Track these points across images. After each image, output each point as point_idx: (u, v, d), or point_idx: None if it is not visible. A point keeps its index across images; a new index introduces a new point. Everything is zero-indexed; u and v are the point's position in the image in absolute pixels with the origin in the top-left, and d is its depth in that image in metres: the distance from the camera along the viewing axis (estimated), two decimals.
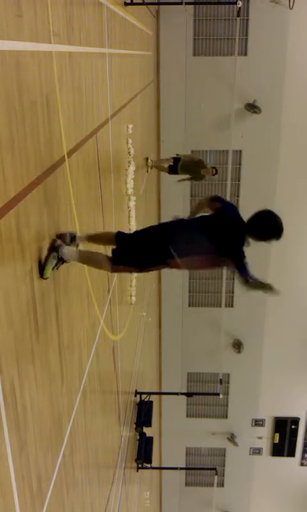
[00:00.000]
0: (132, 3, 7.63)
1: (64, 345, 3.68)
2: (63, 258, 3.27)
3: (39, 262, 3.03)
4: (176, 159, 11.45)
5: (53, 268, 3.16)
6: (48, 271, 3.08)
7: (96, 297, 4.95)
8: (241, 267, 3.87)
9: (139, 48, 9.72)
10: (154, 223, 16.31)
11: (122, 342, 7.32)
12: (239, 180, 15.61)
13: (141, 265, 3.78)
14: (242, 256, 3.85)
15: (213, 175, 11.10)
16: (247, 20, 14.03)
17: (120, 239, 3.80)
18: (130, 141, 7.85)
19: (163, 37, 14.33)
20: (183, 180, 11.67)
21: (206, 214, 4.00)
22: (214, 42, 14.48)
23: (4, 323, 2.48)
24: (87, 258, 3.69)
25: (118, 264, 3.69)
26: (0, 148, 2.43)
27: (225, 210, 3.99)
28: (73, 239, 3.45)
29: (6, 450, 2.49)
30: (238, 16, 10.91)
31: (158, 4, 12.16)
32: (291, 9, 13.07)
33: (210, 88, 14.60)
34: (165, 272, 16.80)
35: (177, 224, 3.87)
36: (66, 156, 3.59)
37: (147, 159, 11.51)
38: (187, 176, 11.47)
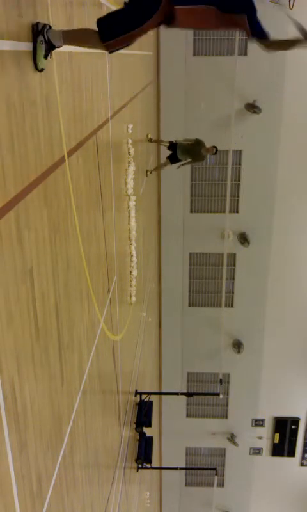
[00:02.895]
0: None
1: (64, 345, 3.68)
2: (51, 41, 2.91)
3: (33, 54, 2.83)
4: (173, 146, 11.47)
5: (46, 56, 2.88)
6: (42, 60, 2.83)
7: (96, 297, 4.95)
8: (256, 24, 3.23)
9: (139, 48, 9.72)
10: (154, 222, 16.24)
11: (122, 342, 7.32)
12: (239, 180, 15.61)
13: (133, 26, 3.06)
14: (253, 8, 3.21)
15: (214, 153, 11.19)
16: None
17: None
18: (130, 141, 7.85)
19: (163, 37, 14.33)
20: (184, 164, 11.70)
21: None
22: (214, 42, 14.48)
23: (4, 323, 2.48)
24: (74, 36, 3.15)
25: (108, 38, 3.06)
26: (0, 148, 2.43)
27: None
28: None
29: (6, 450, 2.49)
30: None
31: None
32: (291, 9, 13.08)
33: (210, 87, 14.60)
34: (165, 272, 16.85)
35: None
36: (66, 156, 3.59)
37: (148, 135, 11.56)
38: (188, 160, 11.51)
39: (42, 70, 2.87)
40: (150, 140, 11.99)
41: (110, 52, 3.18)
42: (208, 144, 11.16)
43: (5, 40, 2.48)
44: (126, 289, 8.20)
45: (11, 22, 2.55)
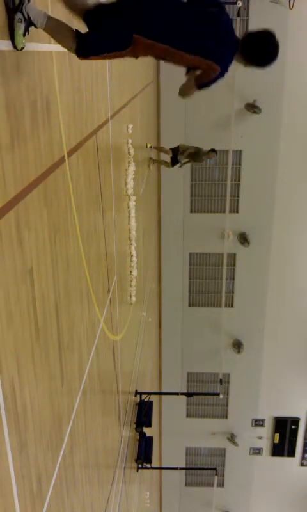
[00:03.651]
0: None
1: (64, 345, 3.68)
2: (30, 19, 2.59)
3: (9, 33, 2.53)
4: (175, 149, 11.68)
5: (24, 34, 2.56)
6: (19, 39, 2.53)
7: (96, 297, 4.95)
8: (213, 81, 3.12)
9: None
10: (154, 222, 16.26)
11: (122, 342, 7.32)
12: (239, 180, 15.61)
13: (110, 50, 2.88)
14: (226, 71, 3.08)
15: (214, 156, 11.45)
16: (247, 20, 14.03)
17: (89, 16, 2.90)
18: (130, 141, 7.85)
19: None
20: (185, 163, 11.90)
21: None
22: None
23: (4, 323, 2.48)
24: (56, 27, 2.79)
25: (83, 54, 2.86)
26: (0, 148, 2.43)
27: (223, 12, 3.04)
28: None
29: (6, 450, 2.49)
30: (238, 16, 10.93)
31: None
32: (291, 9, 13.09)
33: (209, 87, 14.58)
34: (165, 272, 16.86)
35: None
36: (66, 156, 3.59)
37: (147, 145, 11.71)
38: (187, 160, 11.74)
39: (22, 48, 2.58)
40: (151, 148, 12.17)
41: (81, 59, 2.95)
42: (207, 147, 11.28)
43: (5, 40, 2.48)
44: (126, 289, 8.20)
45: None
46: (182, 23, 2.85)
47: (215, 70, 3.01)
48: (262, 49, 3.02)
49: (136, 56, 2.94)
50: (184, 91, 3.25)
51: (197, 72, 3.09)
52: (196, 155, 11.46)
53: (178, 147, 11.74)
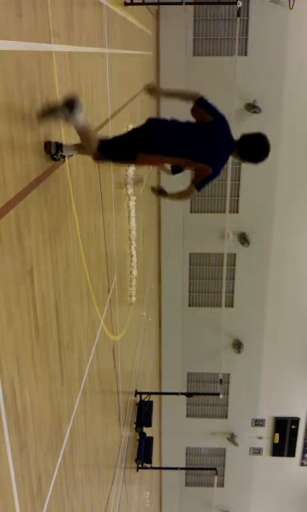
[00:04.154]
0: (132, 3, 7.63)
1: (64, 345, 3.68)
2: (64, 154, 3.38)
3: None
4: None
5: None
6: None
7: (96, 297, 4.95)
8: (207, 180, 3.66)
9: (139, 48, 9.72)
10: (154, 222, 16.22)
11: (122, 342, 7.32)
12: (239, 180, 15.61)
13: (122, 159, 3.64)
14: (218, 171, 3.66)
15: None
16: (247, 20, 14.04)
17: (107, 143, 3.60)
18: None
19: (163, 37, 14.33)
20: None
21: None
22: (214, 42, 14.48)
23: (4, 323, 2.48)
24: (85, 132, 3.44)
25: (102, 151, 3.50)
26: (0, 148, 2.43)
27: (218, 121, 3.72)
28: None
29: (6, 450, 2.49)
30: (238, 16, 10.92)
31: (158, 4, 12.16)
32: (291, 9, 13.09)
33: (210, 87, 14.55)
34: (165, 272, 16.84)
35: (167, 124, 3.64)
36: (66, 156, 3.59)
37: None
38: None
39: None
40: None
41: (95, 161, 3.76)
42: None
43: (5, 40, 2.48)
44: (127, 289, 8.20)
45: (11, 22, 2.55)
46: (178, 139, 3.51)
47: (208, 171, 3.57)
48: (256, 150, 3.68)
49: (144, 164, 3.80)
50: (187, 195, 3.82)
51: (192, 177, 3.67)
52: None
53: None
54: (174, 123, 3.64)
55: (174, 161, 3.72)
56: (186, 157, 3.54)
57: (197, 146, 3.54)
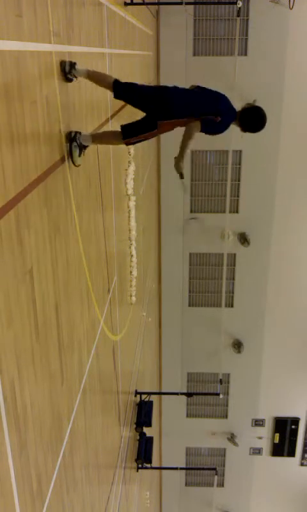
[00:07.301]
0: (132, 3, 7.63)
1: (64, 345, 3.68)
2: (83, 144, 3.80)
3: (69, 154, 3.65)
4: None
5: (79, 155, 3.77)
6: (76, 158, 3.72)
7: (96, 297, 4.95)
8: (213, 127, 4.27)
9: (139, 48, 9.72)
10: (154, 222, 16.20)
11: (122, 342, 7.32)
12: (239, 180, 15.62)
13: (145, 131, 4.08)
14: (225, 125, 4.34)
15: None
16: (247, 20, 14.04)
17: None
18: None
19: (163, 37, 14.33)
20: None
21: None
22: (214, 42, 14.48)
23: (4, 323, 2.48)
24: (100, 136, 4.13)
25: (128, 137, 4.05)
26: (0, 148, 2.43)
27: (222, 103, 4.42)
28: (73, 65, 3.69)
29: (6, 450, 2.49)
30: (238, 16, 10.91)
31: (158, 4, 12.16)
32: (291, 9, 13.09)
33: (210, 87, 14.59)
34: (165, 272, 16.84)
35: (185, 92, 4.35)
36: (66, 156, 3.59)
37: None
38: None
39: (79, 165, 3.81)
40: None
41: (128, 145, 4.22)
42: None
43: (5, 40, 2.48)
44: (127, 289, 8.20)
45: (11, 22, 2.55)
46: (195, 98, 4.32)
47: (217, 118, 4.23)
48: (255, 120, 4.42)
49: (163, 132, 4.19)
50: (188, 131, 4.25)
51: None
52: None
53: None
54: (189, 91, 4.39)
55: (190, 120, 4.18)
56: (203, 114, 4.15)
57: (211, 101, 4.28)
